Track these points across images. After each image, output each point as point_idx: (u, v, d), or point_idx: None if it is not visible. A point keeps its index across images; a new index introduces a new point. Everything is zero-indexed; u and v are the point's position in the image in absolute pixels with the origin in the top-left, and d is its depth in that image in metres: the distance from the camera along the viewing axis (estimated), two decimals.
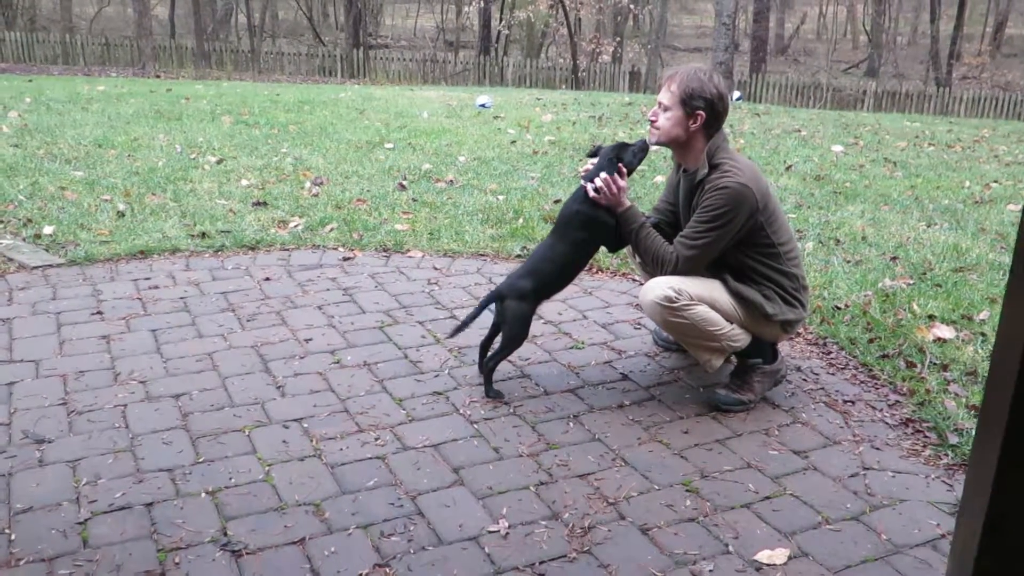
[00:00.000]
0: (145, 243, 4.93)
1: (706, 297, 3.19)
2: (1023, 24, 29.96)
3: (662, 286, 3.16)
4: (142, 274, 4.53)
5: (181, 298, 4.23)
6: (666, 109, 3.24)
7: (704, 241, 3.17)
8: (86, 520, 2.54)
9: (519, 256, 4.94)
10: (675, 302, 3.13)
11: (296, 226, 5.34)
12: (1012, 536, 2.08)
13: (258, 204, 5.78)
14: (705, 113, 3.19)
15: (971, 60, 29.74)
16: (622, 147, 3.36)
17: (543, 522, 2.59)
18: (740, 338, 3.27)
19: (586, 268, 4.72)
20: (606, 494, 2.73)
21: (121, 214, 5.45)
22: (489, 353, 3.42)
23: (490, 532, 2.53)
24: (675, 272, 3.23)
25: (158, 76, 18.66)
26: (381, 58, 22.92)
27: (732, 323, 3.24)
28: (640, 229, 3.30)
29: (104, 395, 3.28)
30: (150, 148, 7.48)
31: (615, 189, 3.28)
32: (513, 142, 8.42)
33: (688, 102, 3.19)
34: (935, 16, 27.81)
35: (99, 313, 4.04)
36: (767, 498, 2.74)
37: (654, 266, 3.30)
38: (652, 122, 3.30)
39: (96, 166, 6.72)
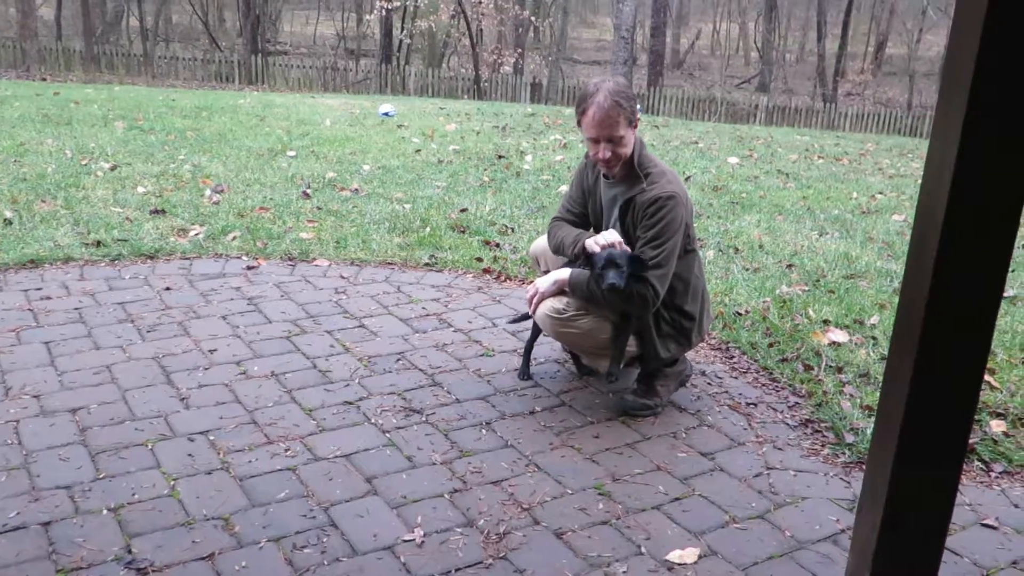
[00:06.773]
0: (35, 252, 4.72)
1: (593, 307, 3.22)
2: (902, 44, 31.47)
3: (551, 298, 3.23)
4: (33, 284, 4.34)
5: (76, 309, 4.07)
6: (621, 139, 3.11)
7: (665, 254, 3.08)
8: None
9: (427, 264, 4.92)
10: (563, 313, 3.18)
11: (197, 234, 5.19)
12: (908, 532, 2.19)
13: (156, 212, 5.60)
14: (638, 115, 3.20)
15: (855, 77, 31.08)
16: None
17: (458, 529, 2.58)
18: (632, 344, 3.33)
19: (494, 276, 4.78)
20: (520, 500, 2.75)
21: (8, 221, 5.20)
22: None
23: (405, 541, 2.51)
24: (658, 299, 3.10)
25: (44, 79, 17.86)
26: (280, 65, 22.51)
27: None
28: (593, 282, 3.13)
29: None
30: (38, 153, 7.16)
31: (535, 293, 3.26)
32: (418, 151, 8.39)
33: (632, 117, 3.13)
34: (822, 35, 29.09)
35: None
36: (677, 499, 2.80)
37: (633, 306, 3.15)
38: (606, 161, 3.15)
39: None
